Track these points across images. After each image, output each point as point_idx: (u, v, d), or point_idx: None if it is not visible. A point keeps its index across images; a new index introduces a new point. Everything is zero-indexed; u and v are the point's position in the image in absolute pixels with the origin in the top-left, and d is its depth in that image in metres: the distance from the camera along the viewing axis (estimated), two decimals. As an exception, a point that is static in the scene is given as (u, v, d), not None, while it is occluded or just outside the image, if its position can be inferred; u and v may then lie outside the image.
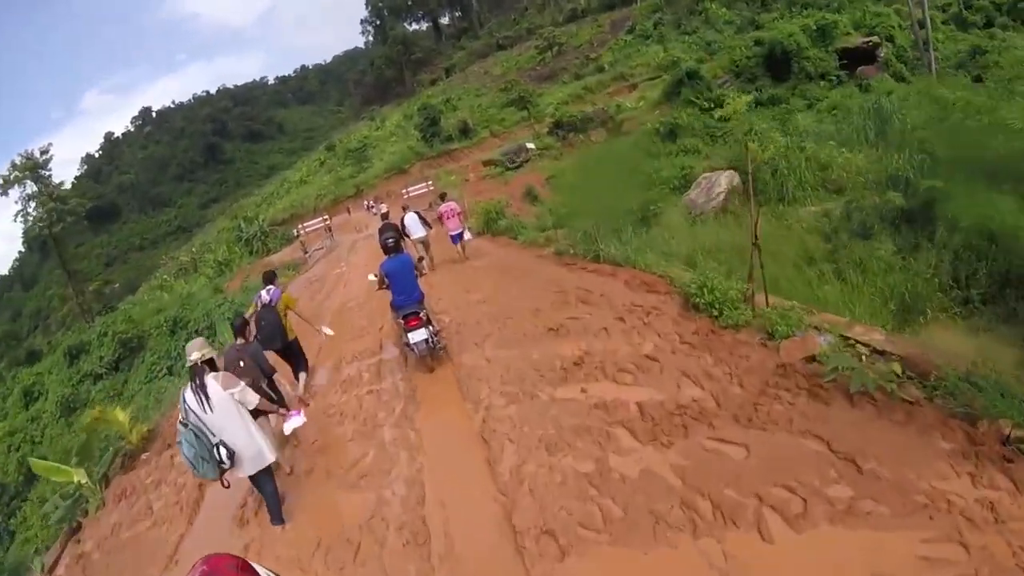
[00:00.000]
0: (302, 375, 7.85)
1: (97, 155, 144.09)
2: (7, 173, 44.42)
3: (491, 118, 50.09)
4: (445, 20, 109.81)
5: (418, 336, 7.03)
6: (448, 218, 13.05)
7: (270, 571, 1.61)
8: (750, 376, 5.10)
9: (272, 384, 6.31)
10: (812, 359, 4.90)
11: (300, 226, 32.95)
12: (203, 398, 4.69)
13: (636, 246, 9.41)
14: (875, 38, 32.11)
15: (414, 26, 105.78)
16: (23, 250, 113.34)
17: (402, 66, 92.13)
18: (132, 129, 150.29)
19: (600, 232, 9.54)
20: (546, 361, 6.62)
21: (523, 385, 6.28)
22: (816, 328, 5.28)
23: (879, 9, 35.15)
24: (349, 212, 40.30)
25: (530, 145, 32.18)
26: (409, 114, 61.94)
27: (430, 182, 30.59)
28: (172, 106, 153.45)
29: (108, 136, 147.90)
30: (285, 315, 7.45)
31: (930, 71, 28.13)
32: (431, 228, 13.26)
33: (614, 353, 6.29)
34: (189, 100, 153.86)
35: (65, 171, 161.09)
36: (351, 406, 7.37)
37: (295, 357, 7.86)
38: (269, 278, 7.75)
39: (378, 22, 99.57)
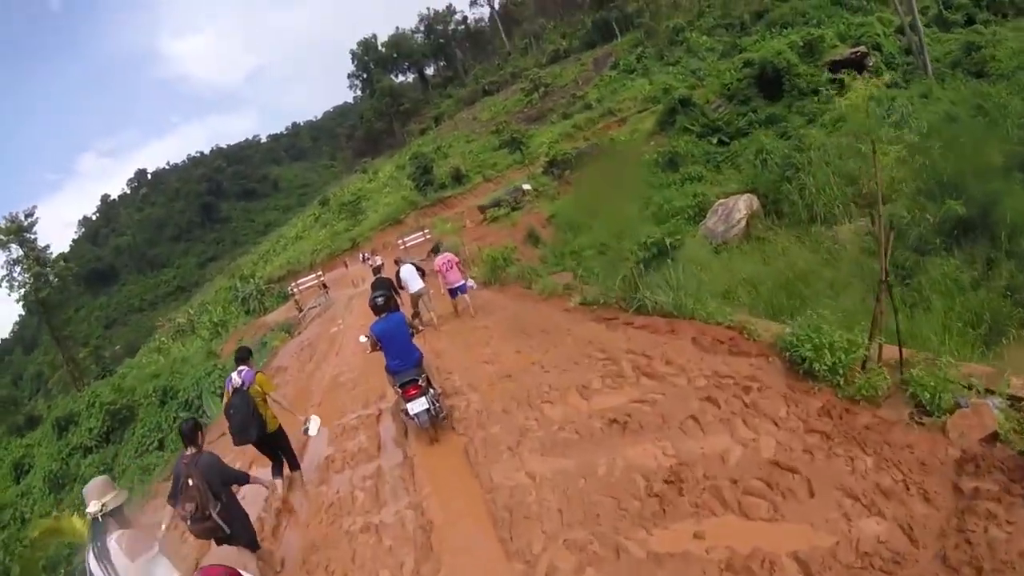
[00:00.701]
0: (285, 476, 6.62)
1: (94, 218, 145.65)
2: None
3: (483, 163, 50.17)
4: (430, 70, 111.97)
5: (418, 406, 6.19)
6: (445, 271, 11.67)
7: None
8: (930, 481, 3.52)
9: (231, 505, 4.70)
10: (994, 437, 3.59)
11: (294, 284, 32.11)
12: (107, 567, 3.38)
13: (674, 286, 8.13)
14: (862, 48, 31.88)
15: (400, 78, 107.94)
16: (23, 313, 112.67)
17: (391, 118, 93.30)
18: (128, 191, 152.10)
19: (615, 271, 8.51)
20: (622, 479, 4.52)
21: (597, 527, 4.11)
22: (968, 387, 3.98)
23: (861, 20, 35.17)
24: (346, 266, 39.56)
25: (526, 186, 31.57)
26: (401, 164, 62.09)
27: (427, 231, 29.88)
28: (167, 167, 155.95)
29: (105, 199, 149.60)
30: (264, 400, 6.28)
31: (927, 73, 27.69)
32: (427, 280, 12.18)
33: (723, 461, 4.32)
34: (183, 161, 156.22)
35: (63, 234, 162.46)
36: (338, 555, 5.12)
37: (279, 450, 6.60)
38: (242, 356, 6.35)
39: (365, 76, 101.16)
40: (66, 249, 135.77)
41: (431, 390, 6.35)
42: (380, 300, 6.59)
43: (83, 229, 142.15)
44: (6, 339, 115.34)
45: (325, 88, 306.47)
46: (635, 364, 6.33)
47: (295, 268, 47.62)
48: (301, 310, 25.13)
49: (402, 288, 11.59)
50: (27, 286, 41.82)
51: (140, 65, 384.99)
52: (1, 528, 21.41)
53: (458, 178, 46.10)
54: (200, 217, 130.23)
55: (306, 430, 6.23)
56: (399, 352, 6.35)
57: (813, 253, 10.32)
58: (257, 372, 6.31)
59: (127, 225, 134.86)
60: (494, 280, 14.71)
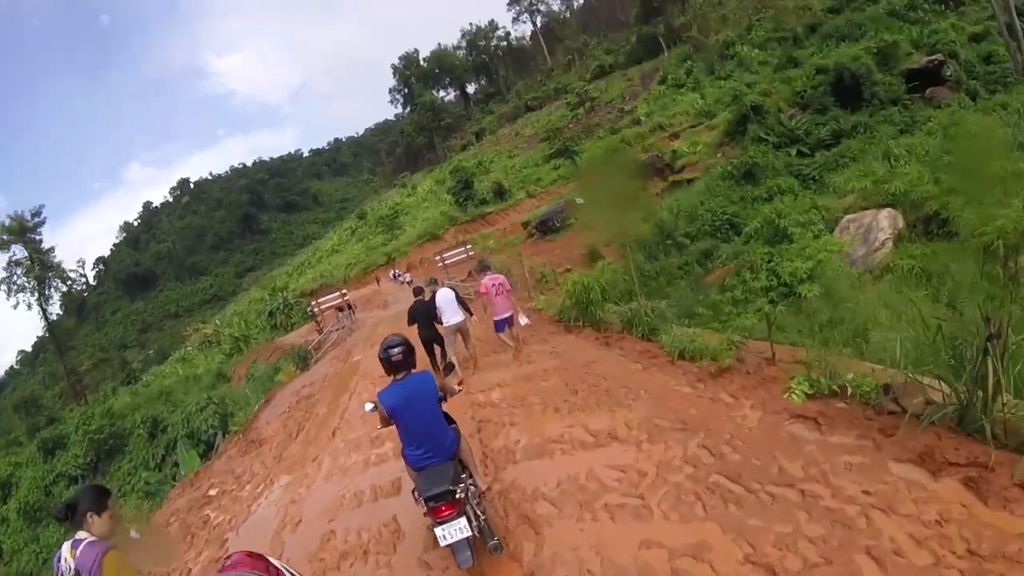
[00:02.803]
0: None
1: (135, 224, 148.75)
2: (-5, 237, 40.70)
3: (526, 178, 48.84)
4: (472, 87, 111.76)
5: (454, 532, 3.85)
6: (494, 296, 9.01)
7: (292, 571, 1.72)
8: None
9: None
10: None
11: (314, 302, 27.87)
12: None
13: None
14: (939, 56, 29.31)
15: (442, 93, 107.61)
16: (60, 313, 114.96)
17: (432, 133, 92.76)
18: (170, 199, 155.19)
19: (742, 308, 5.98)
20: None
21: None
22: None
23: (936, 26, 32.64)
24: (378, 282, 37.99)
25: (579, 200, 29.43)
26: (441, 179, 61.17)
27: (469, 246, 27.86)
28: (210, 177, 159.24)
29: (147, 206, 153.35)
30: None
31: (1031, 80, 25.04)
32: (471, 313, 9.33)
33: None
34: (226, 172, 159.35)
35: (104, 241, 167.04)
36: None
37: None
38: (83, 509, 2.84)
39: (406, 90, 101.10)
40: (106, 254, 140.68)
41: (473, 502, 4.10)
42: (397, 355, 4.22)
43: (124, 234, 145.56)
44: (42, 336, 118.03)
45: (367, 105, 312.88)
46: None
47: (328, 281, 46.59)
48: (321, 331, 23.04)
49: (436, 322, 9.09)
50: (23, 290, 40.03)
51: (188, 80, 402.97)
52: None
53: (500, 193, 44.73)
54: (240, 227, 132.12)
55: None
56: (422, 434, 4.21)
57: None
58: (109, 551, 2.73)
59: (168, 232, 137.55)
60: (578, 320, 9.86)
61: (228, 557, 2.57)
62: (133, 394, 34.02)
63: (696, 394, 5.67)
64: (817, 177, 22.67)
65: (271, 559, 2.58)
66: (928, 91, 27.96)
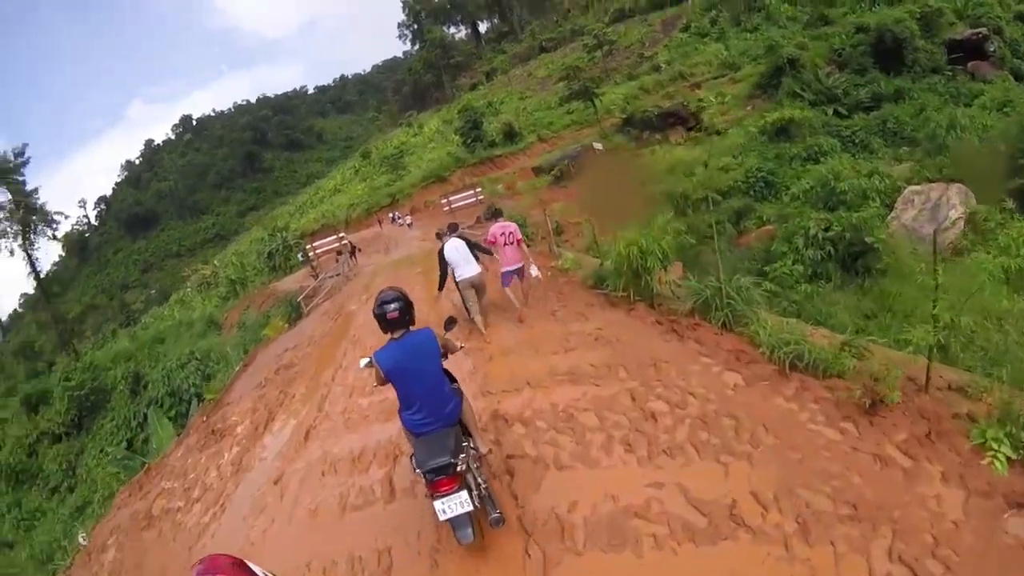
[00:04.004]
0: None
1: (137, 162, 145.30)
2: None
3: (538, 121, 46.38)
4: (484, 26, 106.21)
5: (455, 506, 3.57)
6: (503, 245, 8.03)
7: (266, 571, 1.67)
8: None
9: None
10: None
11: (309, 245, 26.17)
12: None
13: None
14: (983, 30, 26.74)
15: (452, 30, 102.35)
16: (62, 254, 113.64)
17: (441, 71, 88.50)
18: (172, 137, 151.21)
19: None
20: None
21: None
22: None
23: None
24: (380, 224, 35.73)
25: (597, 145, 26.98)
26: (448, 119, 58.47)
27: (478, 190, 25.50)
28: (212, 114, 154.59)
29: (148, 143, 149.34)
30: None
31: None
32: (490, 253, 8.18)
33: None
34: (229, 109, 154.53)
35: (106, 179, 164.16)
36: None
37: None
38: None
39: (416, 26, 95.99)
40: (108, 193, 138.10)
41: (473, 473, 3.81)
42: (393, 311, 3.83)
43: (126, 173, 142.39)
44: (47, 277, 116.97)
45: (374, 42, 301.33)
46: None
47: (330, 222, 44.62)
48: (317, 277, 20.92)
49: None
50: (11, 236, 37.42)
51: (192, 15, 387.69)
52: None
53: (510, 136, 42.10)
54: (242, 166, 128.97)
55: None
56: (422, 398, 3.86)
57: None
58: None
59: (169, 170, 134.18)
60: (626, 290, 7.38)
61: (201, 561, 2.46)
62: (132, 337, 32.89)
63: (848, 444, 3.72)
64: (859, 141, 20.76)
65: (251, 564, 2.47)
66: (970, 64, 25.91)
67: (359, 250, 23.13)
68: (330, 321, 13.50)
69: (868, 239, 10.17)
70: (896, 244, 11.01)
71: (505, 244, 8.04)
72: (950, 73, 25.19)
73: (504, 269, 8.15)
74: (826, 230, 11.79)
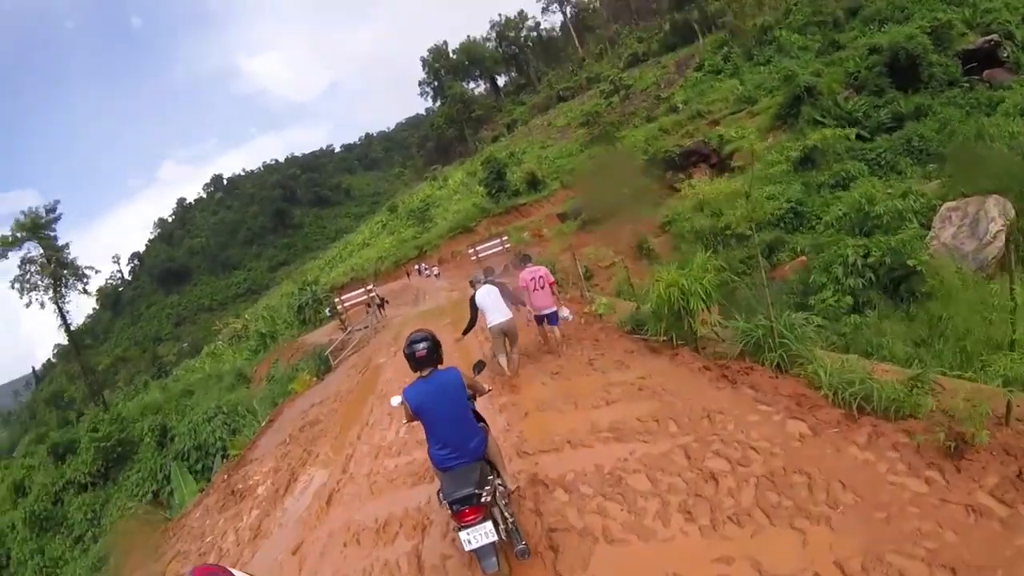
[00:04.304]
0: None
1: (170, 219, 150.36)
2: (9, 233, 38.15)
3: (560, 168, 46.70)
4: (502, 80, 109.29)
5: (480, 536, 3.60)
6: (533, 290, 8.00)
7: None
8: None
9: None
10: None
11: (338, 298, 26.12)
12: None
13: None
14: (994, 36, 26.42)
15: (472, 85, 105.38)
16: (96, 307, 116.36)
17: (462, 125, 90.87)
18: (204, 195, 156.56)
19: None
20: None
21: None
22: None
23: (989, 4, 29.79)
24: (408, 276, 35.97)
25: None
26: (472, 171, 59.52)
27: (505, 238, 25.42)
28: (242, 174, 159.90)
29: (180, 202, 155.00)
30: None
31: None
32: (517, 308, 7.95)
33: None
34: (258, 168, 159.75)
35: (139, 236, 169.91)
36: None
37: None
38: None
39: (436, 83, 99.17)
40: (141, 249, 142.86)
41: (500, 505, 3.87)
42: (422, 350, 4.01)
43: (159, 230, 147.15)
44: (77, 329, 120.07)
45: (397, 100, 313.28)
46: None
47: (358, 275, 45.23)
48: (347, 330, 20.88)
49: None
50: (37, 289, 38.02)
51: (220, 80, 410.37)
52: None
53: (534, 184, 42.58)
54: (272, 222, 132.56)
55: None
56: (448, 433, 3.98)
57: None
58: None
59: (201, 227, 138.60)
60: (667, 334, 6.86)
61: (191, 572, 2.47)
62: (162, 389, 33.19)
63: (936, 496, 3.25)
64: (886, 162, 20.40)
65: (232, 569, 2.50)
66: (985, 73, 25.69)
67: (387, 302, 23.13)
68: (357, 375, 13.20)
69: (910, 262, 9.75)
70: (939, 265, 10.52)
71: (536, 288, 8.00)
72: (967, 84, 25.05)
73: (536, 314, 8.11)
74: (865, 256, 11.31)
